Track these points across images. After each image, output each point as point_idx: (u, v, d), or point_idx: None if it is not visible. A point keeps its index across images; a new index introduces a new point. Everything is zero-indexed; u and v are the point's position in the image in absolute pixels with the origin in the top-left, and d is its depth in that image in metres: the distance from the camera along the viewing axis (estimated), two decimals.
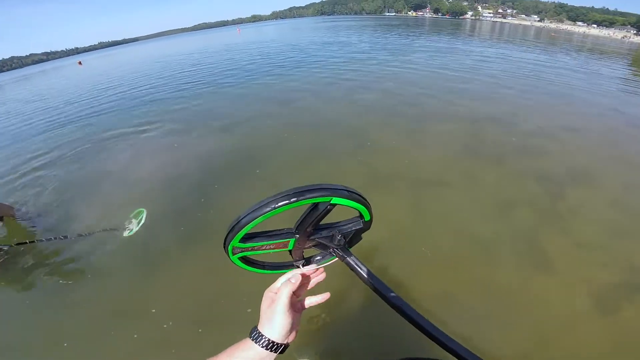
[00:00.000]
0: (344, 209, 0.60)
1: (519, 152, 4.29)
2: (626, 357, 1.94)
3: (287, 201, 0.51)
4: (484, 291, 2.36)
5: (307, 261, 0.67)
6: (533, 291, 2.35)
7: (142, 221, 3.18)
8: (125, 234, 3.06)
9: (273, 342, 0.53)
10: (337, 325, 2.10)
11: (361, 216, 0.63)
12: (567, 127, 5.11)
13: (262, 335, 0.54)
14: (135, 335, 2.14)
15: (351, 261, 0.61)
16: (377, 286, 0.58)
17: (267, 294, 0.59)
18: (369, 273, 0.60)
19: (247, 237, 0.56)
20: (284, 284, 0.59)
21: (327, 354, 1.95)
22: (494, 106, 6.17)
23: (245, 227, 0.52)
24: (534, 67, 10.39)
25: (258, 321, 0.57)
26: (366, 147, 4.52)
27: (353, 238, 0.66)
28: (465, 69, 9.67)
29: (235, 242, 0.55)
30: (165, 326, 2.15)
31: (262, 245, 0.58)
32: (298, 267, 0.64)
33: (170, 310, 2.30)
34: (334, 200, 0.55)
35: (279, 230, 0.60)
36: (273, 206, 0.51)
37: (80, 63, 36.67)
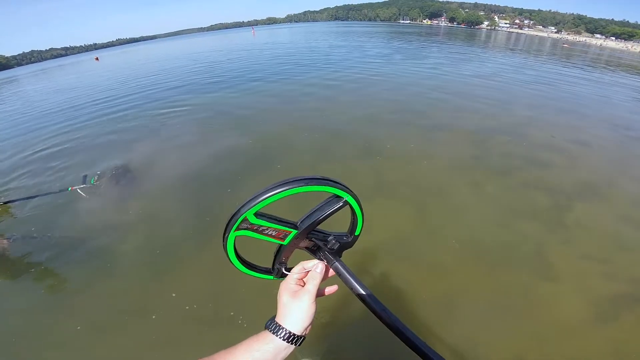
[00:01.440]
0: (336, 221, 0.66)
1: (528, 163, 4.34)
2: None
3: (317, 185, 0.55)
4: (486, 297, 2.41)
5: (288, 270, 0.66)
6: (535, 298, 2.40)
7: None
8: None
9: (293, 334, 0.53)
10: (339, 327, 2.17)
11: (352, 230, 0.67)
12: (577, 141, 5.13)
13: (282, 328, 0.53)
14: (154, 317, 2.29)
15: (339, 266, 0.63)
16: (362, 291, 0.60)
17: (287, 286, 0.59)
18: (355, 278, 0.61)
19: (261, 215, 0.55)
20: (313, 276, 0.59)
21: (328, 354, 2.02)
22: (505, 116, 6.22)
23: (278, 194, 0.52)
24: (547, 79, 10.36)
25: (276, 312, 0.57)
26: (376, 153, 4.65)
27: (340, 249, 0.68)
28: (476, 79, 9.72)
29: (250, 213, 0.53)
30: (187, 307, 2.31)
31: (267, 228, 0.57)
32: (279, 270, 0.65)
33: (197, 294, 2.45)
34: (349, 199, 0.59)
35: (285, 219, 0.60)
36: (303, 184, 0.53)
37: (97, 59, 37.24)
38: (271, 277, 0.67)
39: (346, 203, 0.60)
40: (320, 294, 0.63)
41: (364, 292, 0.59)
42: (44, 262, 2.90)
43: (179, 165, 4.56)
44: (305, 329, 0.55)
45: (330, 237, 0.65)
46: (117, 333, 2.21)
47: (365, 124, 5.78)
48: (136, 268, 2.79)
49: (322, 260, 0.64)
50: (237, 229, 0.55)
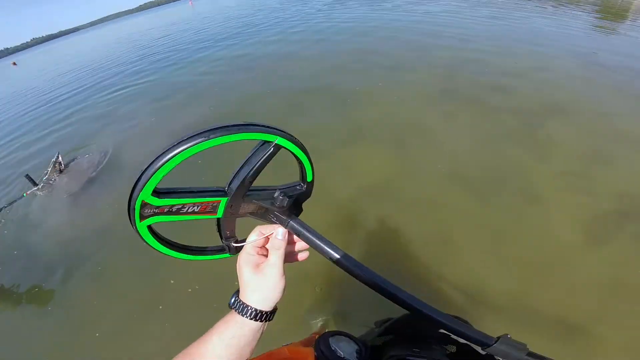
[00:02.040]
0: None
1: (494, 91, 4.43)
2: (621, 288, 1.96)
3: (225, 132, 0.41)
4: (478, 227, 2.41)
5: (243, 241, 0.53)
6: (523, 224, 2.41)
7: None
8: None
9: (262, 311, 0.47)
10: (345, 287, 2.13)
11: (303, 178, 0.56)
12: (538, 67, 5.23)
13: (248, 307, 0.46)
14: (161, 307, 2.24)
15: (295, 225, 0.52)
16: (326, 248, 0.53)
17: (247, 258, 0.49)
18: (316, 235, 0.53)
19: (163, 192, 0.42)
20: (275, 245, 0.49)
21: (336, 314, 2.03)
22: (466, 49, 6.24)
23: (167, 164, 0.39)
24: (501, 15, 10.41)
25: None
26: (346, 99, 4.59)
27: (295, 204, 0.56)
28: (433, 15, 9.58)
29: (147, 195, 0.40)
30: (190, 290, 2.26)
31: (183, 205, 0.44)
32: (229, 247, 0.53)
33: (194, 276, 2.38)
34: (280, 140, 0.47)
35: (207, 188, 0.46)
36: (205, 138, 0.40)
37: (14, 64, 35.00)
38: (227, 255, 0.55)
39: (278, 147, 0.47)
40: (292, 259, 0.55)
41: (329, 249, 0.52)
42: (38, 282, 2.71)
43: (135, 148, 4.31)
44: (276, 303, 0.49)
45: (277, 193, 0.51)
46: (133, 331, 2.16)
47: (330, 74, 5.64)
48: (127, 267, 2.66)
49: (276, 223, 0.53)
50: (142, 218, 0.42)
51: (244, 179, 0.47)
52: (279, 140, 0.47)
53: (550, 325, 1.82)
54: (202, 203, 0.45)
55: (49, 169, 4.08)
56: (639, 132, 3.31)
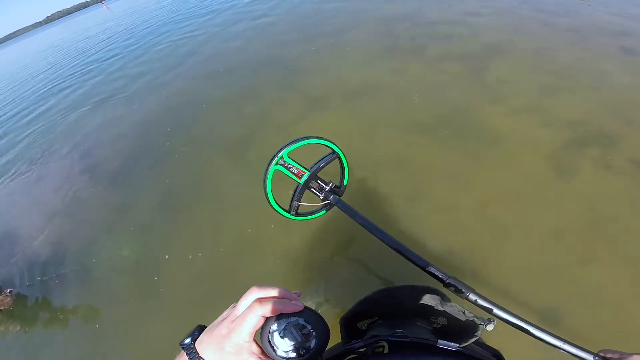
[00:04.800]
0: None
1: (432, 40, 4.60)
2: (601, 223, 1.95)
3: (320, 140, 0.85)
4: (444, 177, 2.43)
5: (301, 214, 0.91)
6: (485, 167, 2.41)
7: None
8: None
9: None
10: (336, 266, 2.14)
11: (341, 181, 0.95)
12: (469, 12, 5.49)
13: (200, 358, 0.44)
14: (156, 278, 2.25)
15: (336, 198, 0.87)
16: (354, 214, 0.78)
17: (244, 343, 0.44)
18: (349, 206, 0.82)
19: (289, 157, 0.80)
20: (249, 314, 0.43)
21: (330, 293, 2.00)
22: (397, 5, 6.38)
23: (300, 142, 0.80)
24: None
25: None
26: (295, 74, 4.61)
27: (335, 193, 0.91)
28: None
29: (286, 153, 0.79)
30: (190, 257, 2.28)
31: (292, 166, 0.82)
32: (295, 207, 0.88)
33: (188, 247, 2.39)
34: (340, 152, 0.89)
35: (303, 165, 0.84)
36: (315, 137, 0.84)
37: None
38: (287, 214, 0.88)
39: (337, 155, 0.88)
40: None
41: (355, 214, 0.78)
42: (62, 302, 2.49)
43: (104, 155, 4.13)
44: None
45: (330, 183, 0.89)
46: (150, 315, 2.16)
47: (272, 51, 5.63)
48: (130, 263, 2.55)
49: (326, 199, 0.87)
50: (277, 163, 0.79)
51: (317, 168, 0.86)
52: (339, 152, 0.88)
53: (541, 273, 1.79)
54: (299, 169, 0.83)
55: None
56: (574, 63, 3.47)
